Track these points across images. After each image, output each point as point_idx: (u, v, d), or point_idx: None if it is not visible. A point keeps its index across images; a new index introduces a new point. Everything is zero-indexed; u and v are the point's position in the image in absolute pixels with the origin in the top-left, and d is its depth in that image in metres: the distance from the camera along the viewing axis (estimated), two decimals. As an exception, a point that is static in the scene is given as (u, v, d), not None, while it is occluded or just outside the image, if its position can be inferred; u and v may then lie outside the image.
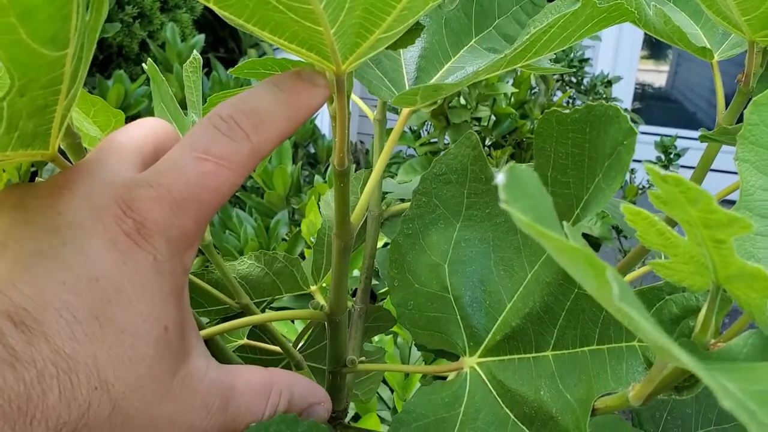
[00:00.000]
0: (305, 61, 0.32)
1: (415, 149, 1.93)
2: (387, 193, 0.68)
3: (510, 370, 0.36)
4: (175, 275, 0.28)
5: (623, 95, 3.95)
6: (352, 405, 1.26)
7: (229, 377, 0.30)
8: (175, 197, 0.27)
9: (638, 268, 0.50)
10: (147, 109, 2.12)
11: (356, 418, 1.31)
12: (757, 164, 0.27)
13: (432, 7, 0.29)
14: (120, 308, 0.26)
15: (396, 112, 0.72)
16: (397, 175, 1.79)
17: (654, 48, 4.93)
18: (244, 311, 0.55)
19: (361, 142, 3.24)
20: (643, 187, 2.32)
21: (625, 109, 2.30)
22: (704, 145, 0.46)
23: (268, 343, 0.59)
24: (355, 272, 1.07)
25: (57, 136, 0.27)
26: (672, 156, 2.14)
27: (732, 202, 0.29)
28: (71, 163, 0.31)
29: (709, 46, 0.51)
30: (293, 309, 1.24)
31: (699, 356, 0.24)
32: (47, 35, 0.22)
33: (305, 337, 0.65)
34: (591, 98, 2.22)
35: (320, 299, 0.62)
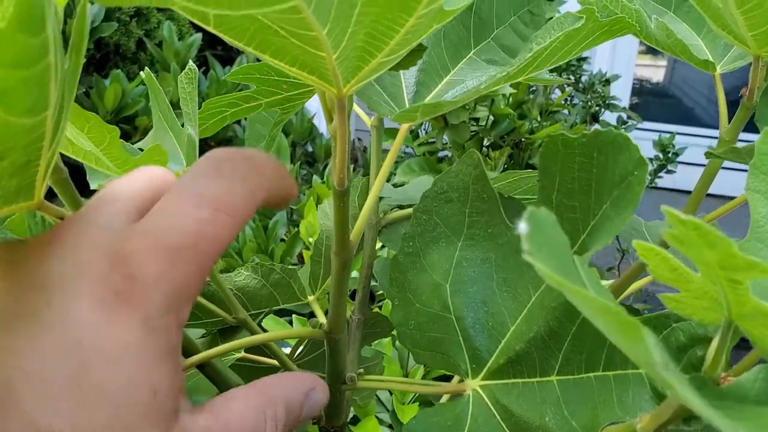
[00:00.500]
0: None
1: (413, 149, 1.92)
2: (382, 198, 0.68)
3: (514, 395, 0.35)
4: (169, 333, 0.26)
5: (621, 93, 3.94)
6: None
7: (219, 420, 0.28)
8: (171, 247, 0.26)
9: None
10: (144, 109, 2.10)
11: (355, 420, 1.30)
12: (768, 194, 0.26)
13: (435, 30, 0.29)
14: (103, 373, 0.24)
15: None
16: (395, 174, 1.78)
17: (652, 44, 4.91)
18: (241, 325, 0.54)
19: (359, 139, 3.23)
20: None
21: (624, 108, 2.29)
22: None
23: (265, 356, 0.59)
24: (354, 273, 1.06)
25: (42, 184, 0.26)
26: (670, 155, 2.14)
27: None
28: (61, 198, 0.31)
29: (711, 58, 0.50)
30: (294, 313, 1.23)
31: (710, 393, 0.24)
32: (24, 108, 0.21)
33: (303, 345, 0.65)
34: (589, 96, 2.21)
35: (317, 309, 0.61)
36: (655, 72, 5.41)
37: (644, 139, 2.75)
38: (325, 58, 0.26)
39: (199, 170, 0.28)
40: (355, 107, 0.62)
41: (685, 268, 0.23)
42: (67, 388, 0.24)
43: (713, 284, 0.22)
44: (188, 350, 0.42)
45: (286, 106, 0.53)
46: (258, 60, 0.32)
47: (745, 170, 0.30)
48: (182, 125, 0.53)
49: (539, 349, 0.34)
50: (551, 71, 0.55)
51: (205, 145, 0.59)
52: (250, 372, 0.64)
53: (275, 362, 0.56)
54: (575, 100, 2.28)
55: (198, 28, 2.83)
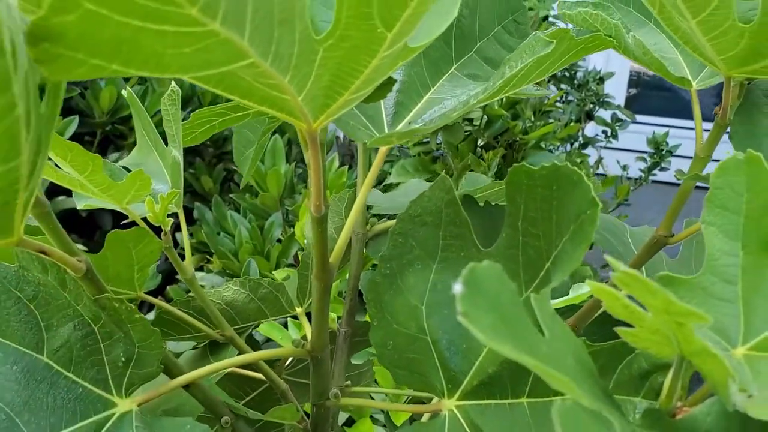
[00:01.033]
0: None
1: (408, 148, 1.92)
2: (370, 207, 0.69)
3: (487, 415, 0.36)
4: None
5: (617, 87, 3.94)
6: (345, 410, 1.26)
7: None
8: None
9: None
10: (138, 111, 2.10)
11: (350, 422, 1.31)
12: (723, 228, 0.27)
13: (399, 67, 0.29)
14: None
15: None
16: (390, 174, 1.78)
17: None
18: (228, 342, 0.55)
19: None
20: (636, 179, 2.33)
21: (618, 105, 2.29)
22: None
23: (253, 370, 0.60)
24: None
25: (21, 223, 0.27)
26: (664, 152, 2.14)
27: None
28: (44, 231, 0.31)
29: (688, 74, 0.51)
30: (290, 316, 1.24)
31: (663, 427, 0.25)
32: None
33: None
34: (583, 94, 2.22)
35: (305, 322, 0.62)
36: (652, 65, 5.39)
37: (640, 132, 2.75)
38: (290, 100, 0.27)
39: None
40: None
41: (637, 307, 0.23)
42: None
43: (663, 323, 0.23)
44: (173, 371, 0.43)
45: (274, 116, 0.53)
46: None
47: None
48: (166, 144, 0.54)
49: (510, 371, 0.35)
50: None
51: (201, 144, 0.60)
52: (238, 383, 0.65)
53: (261, 376, 0.57)
54: (570, 97, 2.29)
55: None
